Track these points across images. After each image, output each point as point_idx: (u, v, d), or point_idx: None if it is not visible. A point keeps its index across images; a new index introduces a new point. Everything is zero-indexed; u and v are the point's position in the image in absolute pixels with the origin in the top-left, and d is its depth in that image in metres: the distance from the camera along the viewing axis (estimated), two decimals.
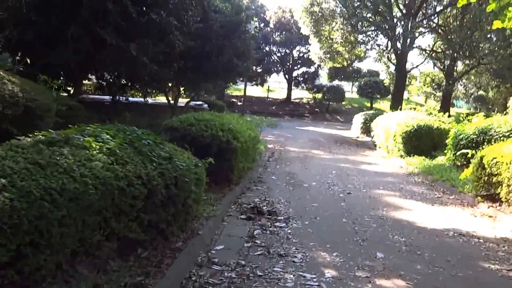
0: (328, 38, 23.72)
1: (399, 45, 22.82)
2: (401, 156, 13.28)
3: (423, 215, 6.93)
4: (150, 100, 14.90)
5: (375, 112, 22.84)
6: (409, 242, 5.40)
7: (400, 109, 23.58)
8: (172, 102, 13.57)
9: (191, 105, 14.52)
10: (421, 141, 12.91)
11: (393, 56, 25.57)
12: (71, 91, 10.16)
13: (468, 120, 11.84)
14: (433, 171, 10.47)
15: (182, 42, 9.96)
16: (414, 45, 23.73)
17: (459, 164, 11.12)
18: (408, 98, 41.09)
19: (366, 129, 21.54)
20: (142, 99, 14.93)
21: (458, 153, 10.17)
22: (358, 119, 23.15)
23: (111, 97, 12.18)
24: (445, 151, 12.17)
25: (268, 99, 36.64)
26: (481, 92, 36.95)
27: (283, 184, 8.83)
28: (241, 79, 23.36)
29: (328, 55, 24.57)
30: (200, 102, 15.42)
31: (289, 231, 5.54)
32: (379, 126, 16.13)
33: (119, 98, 12.37)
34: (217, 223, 5.55)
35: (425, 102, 41.16)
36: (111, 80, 11.43)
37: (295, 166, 11.40)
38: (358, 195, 8.16)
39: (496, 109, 38.38)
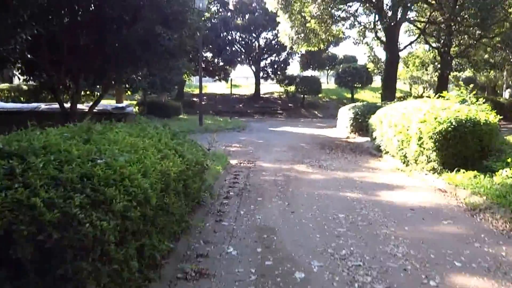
0: (301, 13, 19.02)
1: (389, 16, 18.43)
2: (433, 169, 8.70)
3: None
4: (43, 106, 9.87)
5: (368, 104, 18.40)
6: None
7: (394, 99, 19.33)
8: (68, 106, 8.43)
9: (106, 109, 9.47)
10: (465, 145, 8.33)
11: (381, 34, 21.16)
12: None
13: None
14: None
15: None
16: (408, 16, 19.35)
17: None
18: None
19: (358, 126, 17.10)
20: (34, 104, 9.94)
21: None
22: (345, 114, 18.59)
23: None
24: (508, 160, 7.76)
25: (234, 96, 31.75)
26: (468, 73, 33.14)
27: (251, 277, 4.04)
28: (194, 71, 18.26)
29: (302, 35, 19.85)
30: (123, 105, 10.42)
31: None
32: (384, 123, 11.57)
33: None
34: None
35: (410, 88, 37.18)
36: None
37: (273, 206, 6.63)
38: None
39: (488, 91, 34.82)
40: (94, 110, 8.88)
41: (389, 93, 19.96)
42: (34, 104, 9.86)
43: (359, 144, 14.81)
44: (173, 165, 4.12)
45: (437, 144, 8.48)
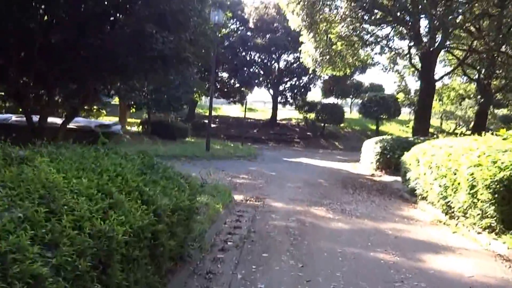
0: (327, 33, 17.84)
1: (425, 40, 17.10)
2: (489, 227, 7.13)
3: None
4: (13, 118, 8.68)
5: (398, 138, 16.97)
6: None
7: (427, 134, 17.92)
8: (37, 120, 7.16)
9: (88, 126, 8.16)
10: None
11: (415, 62, 19.85)
12: None
13: None
14: None
15: None
16: (449, 41, 18.00)
17: None
18: None
19: (386, 163, 15.59)
20: (3, 116, 8.76)
21: None
22: (371, 148, 17.09)
23: None
24: None
25: (248, 120, 30.51)
26: (505, 111, 31.69)
27: None
28: (204, 91, 17.05)
29: (327, 57, 18.61)
30: (109, 122, 9.12)
31: None
32: (422, 163, 10.07)
33: None
34: None
35: (441, 124, 35.59)
36: None
37: (282, 268, 5.17)
38: None
39: None
40: (73, 126, 7.64)
41: (422, 127, 18.51)
42: (3, 116, 8.72)
43: (387, 184, 13.28)
44: (126, 220, 2.72)
45: (496, 195, 6.93)
